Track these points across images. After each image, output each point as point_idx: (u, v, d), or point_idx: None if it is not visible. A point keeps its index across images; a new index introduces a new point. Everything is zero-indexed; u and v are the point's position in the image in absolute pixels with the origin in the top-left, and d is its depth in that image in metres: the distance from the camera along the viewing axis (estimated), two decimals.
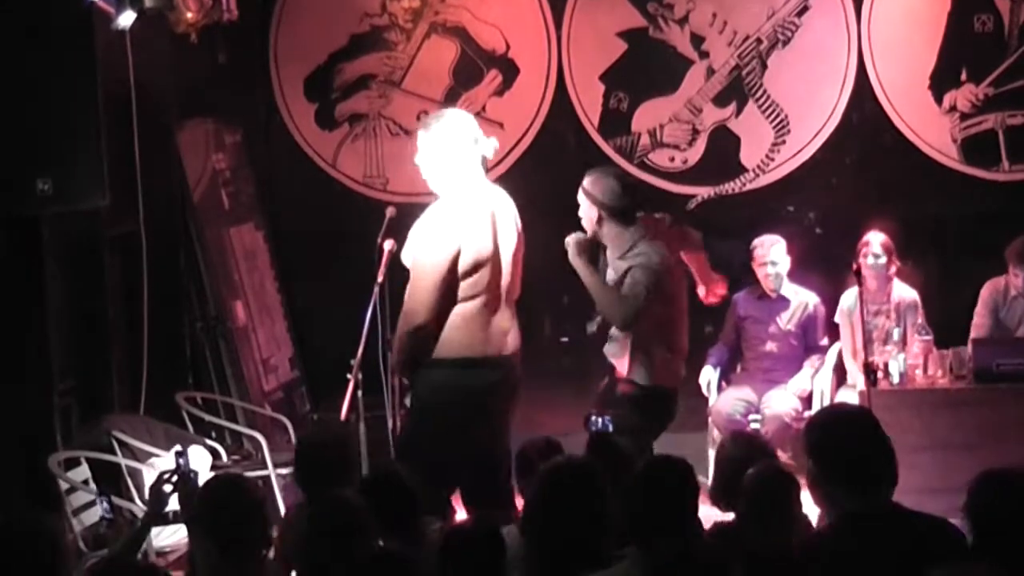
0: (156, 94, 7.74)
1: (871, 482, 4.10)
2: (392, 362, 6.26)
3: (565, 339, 9.24)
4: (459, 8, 9.05)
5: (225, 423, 7.97)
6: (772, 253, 8.16)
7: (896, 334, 7.91)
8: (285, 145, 9.20)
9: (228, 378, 8.41)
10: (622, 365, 6.56)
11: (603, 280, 6.46)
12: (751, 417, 7.98)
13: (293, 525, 4.81)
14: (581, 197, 6.53)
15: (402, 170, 9.04)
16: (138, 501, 6.76)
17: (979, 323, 8.04)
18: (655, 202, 7.93)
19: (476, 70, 9.10)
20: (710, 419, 8.07)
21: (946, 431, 7.48)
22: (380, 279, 6.45)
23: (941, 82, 8.91)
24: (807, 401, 8.04)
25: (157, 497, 4.82)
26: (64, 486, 6.66)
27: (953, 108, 8.91)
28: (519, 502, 4.95)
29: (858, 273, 7.45)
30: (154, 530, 6.15)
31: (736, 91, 9.01)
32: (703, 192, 9.03)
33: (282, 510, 7.18)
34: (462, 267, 5.85)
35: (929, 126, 8.92)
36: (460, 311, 5.89)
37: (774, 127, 8.99)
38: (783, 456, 6.85)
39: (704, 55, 9.02)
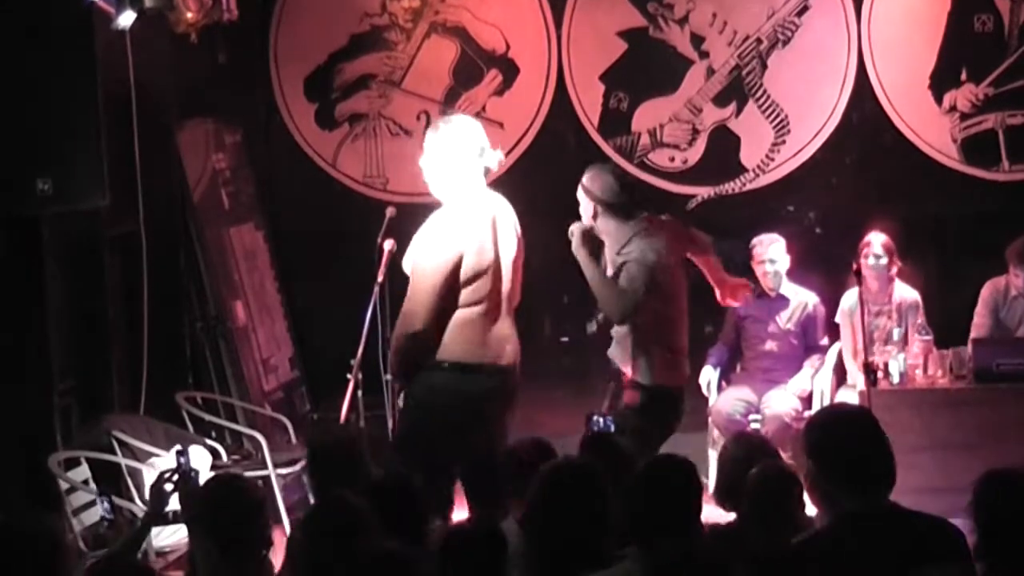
0: (156, 94, 7.74)
1: (871, 482, 4.10)
2: (389, 364, 6.26)
3: (565, 339, 9.24)
4: (459, 8, 9.05)
5: (225, 423, 7.97)
6: (771, 251, 8.17)
7: (896, 334, 7.92)
8: (285, 145, 9.20)
9: (228, 378, 8.41)
10: (627, 367, 6.56)
11: (603, 273, 6.44)
12: (751, 417, 7.98)
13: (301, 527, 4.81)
14: (580, 193, 6.54)
15: (402, 170, 9.05)
16: (138, 501, 6.76)
17: (979, 323, 8.04)
18: (655, 202, 7.93)
19: (476, 70, 9.10)
20: (710, 419, 8.07)
21: (946, 431, 7.48)
22: (380, 279, 6.46)
23: (941, 82, 8.90)
24: (807, 401, 8.04)
25: (157, 496, 4.82)
26: (64, 486, 6.66)
27: (953, 108, 8.91)
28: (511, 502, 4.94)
29: (858, 273, 7.45)
30: (154, 530, 6.16)
31: (736, 91, 9.01)
32: (703, 192, 9.03)
33: (282, 510, 7.19)
34: (464, 274, 5.84)
35: (929, 126, 8.92)
36: (461, 316, 5.89)
37: (774, 127, 8.99)
38: (784, 456, 6.85)
39: (704, 55, 9.01)
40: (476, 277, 5.86)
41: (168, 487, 4.79)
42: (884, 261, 8.05)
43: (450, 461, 5.90)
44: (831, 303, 8.24)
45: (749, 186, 9.05)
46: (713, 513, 4.80)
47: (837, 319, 8.18)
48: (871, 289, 8.03)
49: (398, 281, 6.34)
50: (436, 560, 4.06)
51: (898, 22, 8.88)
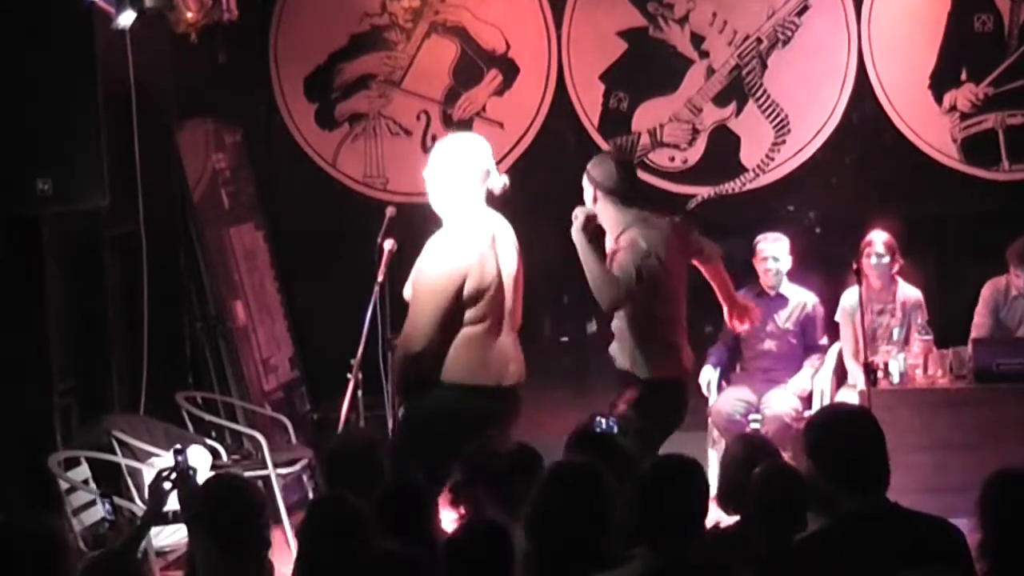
0: (156, 94, 7.74)
1: (871, 482, 4.10)
2: (391, 381, 6.27)
3: (565, 339, 9.24)
4: (459, 8, 9.05)
5: (225, 423, 7.97)
6: (774, 249, 8.17)
7: (897, 334, 7.92)
8: (285, 145, 9.20)
9: (228, 378, 8.41)
10: (626, 362, 6.56)
11: (598, 260, 6.42)
12: (751, 417, 7.98)
13: None
14: (584, 180, 6.56)
15: (402, 170, 9.07)
16: (138, 501, 6.76)
17: (979, 323, 8.04)
18: (655, 202, 7.92)
19: (476, 70, 9.10)
20: (710, 419, 8.07)
21: (946, 431, 7.48)
22: (380, 279, 6.46)
23: (941, 82, 8.90)
24: (807, 401, 8.04)
25: (156, 495, 4.82)
26: (64, 486, 6.66)
27: (953, 108, 8.91)
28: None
29: (859, 272, 7.45)
30: (154, 530, 6.16)
31: (736, 91, 9.01)
32: (703, 192, 9.03)
33: (282, 510, 7.19)
34: (466, 294, 5.84)
35: (929, 126, 8.92)
36: (463, 336, 5.89)
37: (774, 127, 8.99)
38: (785, 456, 6.85)
39: (704, 55, 9.01)
40: (479, 296, 5.85)
41: (166, 486, 4.79)
42: (886, 260, 8.06)
43: (444, 474, 5.90)
44: (831, 303, 8.24)
45: (749, 186, 9.05)
46: (714, 514, 4.80)
47: (837, 317, 8.18)
48: (873, 287, 8.03)
49: (398, 281, 6.34)
50: (443, 559, 4.05)
51: (898, 22, 8.88)
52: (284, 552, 6.03)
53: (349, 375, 6.47)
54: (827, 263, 8.60)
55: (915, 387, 7.65)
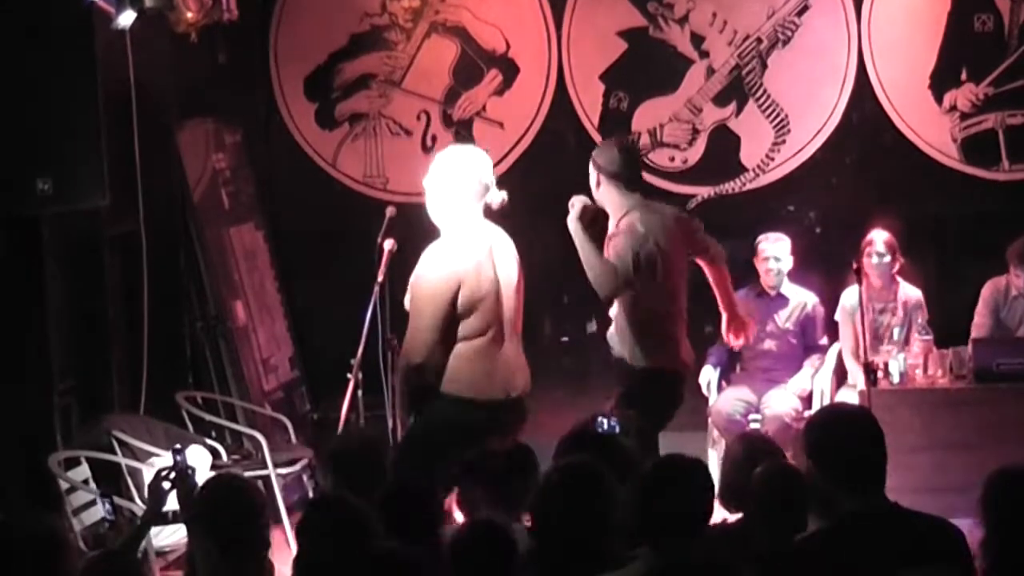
0: (156, 94, 7.74)
1: (871, 482, 4.10)
2: (397, 395, 6.28)
3: (565, 339, 9.23)
4: (459, 8, 9.05)
5: (225, 423, 7.97)
6: (775, 249, 8.18)
7: (897, 333, 7.92)
8: (285, 145, 9.20)
9: (228, 378, 8.41)
10: (623, 350, 6.58)
11: (595, 249, 6.43)
12: (751, 417, 7.98)
13: None
14: (590, 166, 6.59)
15: (402, 170, 9.06)
16: (138, 501, 6.77)
17: (980, 323, 8.04)
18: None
19: (476, 70, 9.10)
20: (710, 419, 8.07)
21: (946, 431, 7.48)
22: (380, 279, 6.46)
23: (941, 82, 8.90)
24: (807, 401, 8.04)
25: (156, 495, 4.82)
26: (64, 486, 6.66)
27: (953, 108, 8.91)
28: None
29: (859, 272, 7.45)
30: (154, 530, 6.16)
31: (736, 91, 9.00)
32: (703, 192, 9.03)
33: (282, 510, 7.19)
34: (462, 304, 5.84)
35: (929, 126, 8.92)
36: (466, 349, 5.90)
37: (774, 127, 8.99)
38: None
39: (704, 55, 9.01)
40: (475, 305, 5.86)
41: (165, 485, 4.79)
42: (887, 259, 8.06)
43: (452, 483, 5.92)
44: (831, 303, 8.24)
45: (749, 186, 9.04)
46: (717, 513, 4.80)
47: (837, 317, 8.18)
48: (874, 287, 8.03)
49: (398, 281, 6.34)
50: (447, 560, 4.04)
51: (898, 22, 8.88)
52: (284, 552, 6.03)
53: (349, 375, 6.47)
54: (827, 263, 8.60)
55: (915, 387, 7.65)
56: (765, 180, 9.03)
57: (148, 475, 6.58)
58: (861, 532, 4.02)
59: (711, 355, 8.24)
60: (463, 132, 9.08)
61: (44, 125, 6.37)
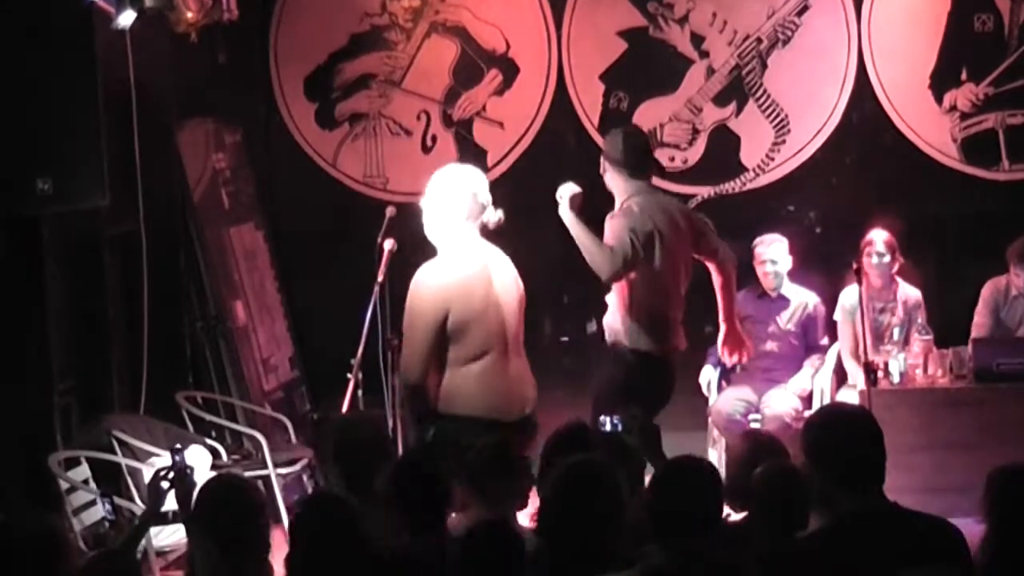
0: (156, 94, 7.74)
1: (870, 481, 4.10)
2: (401, 416, 6.31)
3: (565, 339, 9.23)
4: (459, 8, 9.05)
5: (225, 423, 7.97)
6: (772, 252, 8.17)
7: (897, 333, 7.92)
8: (285, 145, 9.20)
9: (228, 378, 8.41)
10: (618, 332, 6.60)
11: (591, 233, 6.45)
12: (751, 417, 7.98)
13: None
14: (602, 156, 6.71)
15: (402, 170, 9.07)
16: (138, 501, 6.77)
17: (980, 322, 8.04)
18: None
19: (476, 70, 9.10)
20: (710, 419, 8.07)
21: (946, 431, 7.48)
22: (380, 279, 6.46)
23: (941, 82, 8.90)
24: (807, 401, 8.04)
25: (154, 495, 4.83)
26: (64, 486, 6.66)
27: (953, 108, 8.91)
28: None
29: (859, 272, 7.45)
30: (154, 530, 6.17)
31: (736, 90, 9.00)
32: (703, 192, 9.03)
33: (282, 510, 7.19)
34: (456, 325, 5.86)
35: (929, 126, 8.92)
36: (475, 370, 5.91)
37: (774, 127, 8.99)
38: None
39: (704, 54, 9.01)
40: (470, 325, 5.87)
41: (164, 485, 4.79)
42: (887, 259, 8.06)
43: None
44: (831, 303, 8.24)
45: (749, 186, 9.04)
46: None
47: (836, 316, 8.18)
48: (874, 286, 8.03)
49: (398, 281, 6.34)
50: (454, 559, 4.03)
51: (898, 22, 8.88)
52: (284, 552, 6.02)
53: (349, 375, 6.47)
54: (827, 263, 8.60)
55: (915, 387, 7.65)
56: (765, 180, 9.03)
57: (148, 475, 6.57)
58: (860, 532, 4.02)
59: (711, 355, 8.23)
60: (463, 132, 9.09)
61: (44, 125, 6.37)
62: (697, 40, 9.00)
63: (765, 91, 8.98)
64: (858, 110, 8.95)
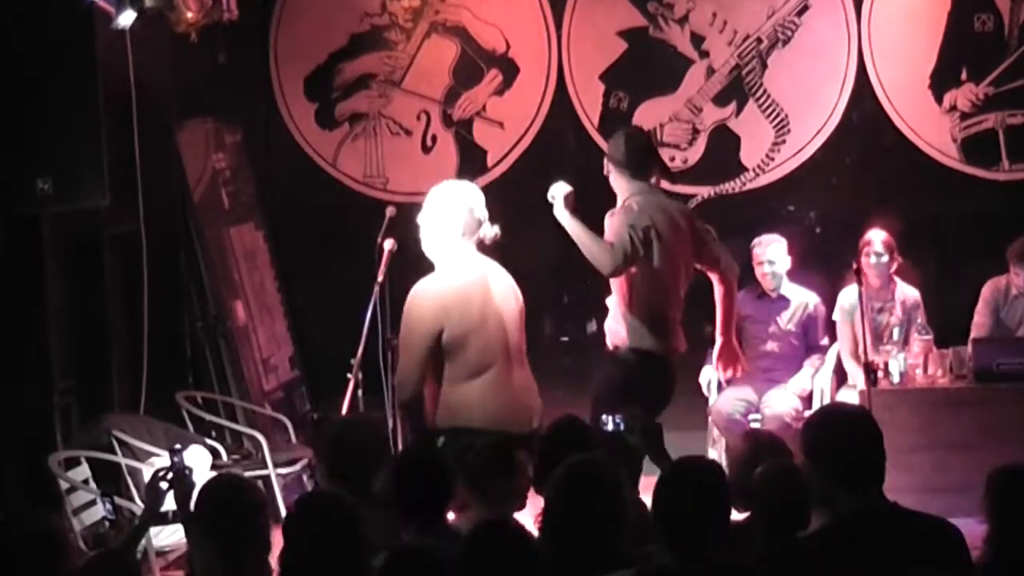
0: (156, 94, 7.74)
1: (870, 481, 4.10)
2: (403, 430, 6.33)
3: (565, 339, 9.23)
4: (459, 8, 9.05)
5: (225, 423, 7.97)
6: (770, 252, 8.17)
7: (896, 333, 7.92)
8: (285, 145, 9.20)
9: (228, 378, 8.41)
10: (618, 334, 6.62)
11: (588, 229, 6.47)
12: (751, 417, 7.98)
13: None
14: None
15: (402, 170, 9.07)
16: (138, 501, 6.76)
17: (980, 322, 8.04)
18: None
19: (476, 70, 9.10)
20: (710, 419, 8.07)
21: (946, 431, 7.48)
22: (380, 279, 6.46)
23: (941, 82, 8.90)
24: (807, 401, 8.04)
25: (153, 495, 4.82)
26: (64, 486, 6.66)
27: (953, 108, 8.91)
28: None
29: (859, 272, 7.45)
30: (154, 530, 6.17)
31: (736, 90, 9.01)
32: (703, 192, 9.03)
33: (282, 510, 7.19)
34: (453, 340, 5.87)
35: (929, 126, 8.92)
36: (476, 383, 5.91)
37: (774, 126, 8.99)
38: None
39: (704, 54, 9.01)
40: (467, 339, 5.88)
41: (163, 486, 4.79)
42: (885, 259, 8.06)
43: None
44: (831, 303, 8.23)
45: (749, 186, 9.05)
46: None
47: (835, 317, 8.18)
48: (872, 286, 8.03)
49: (398, 281, 6.34)
50: (464, 559, 4.02)
51: (898, 22, 8.88)
52: None
53: (349, 375, 6.47)
54: (827, 263, 8.60)
55: (915, 387, 7.65)
56: (765, 180, 9.03)
57: (148, 475, 6.58)
58: (860, 532, 4.02)
59: (711, 355, 8.23)
60: (463, 132, 9.09)
61: (44, 125, 6.37)
62: (697, 40, 9.00)
63: (765, 91, 8.98)
64: (858, 110, 8.95)
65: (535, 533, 4.22)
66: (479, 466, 4.90)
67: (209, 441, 7.51)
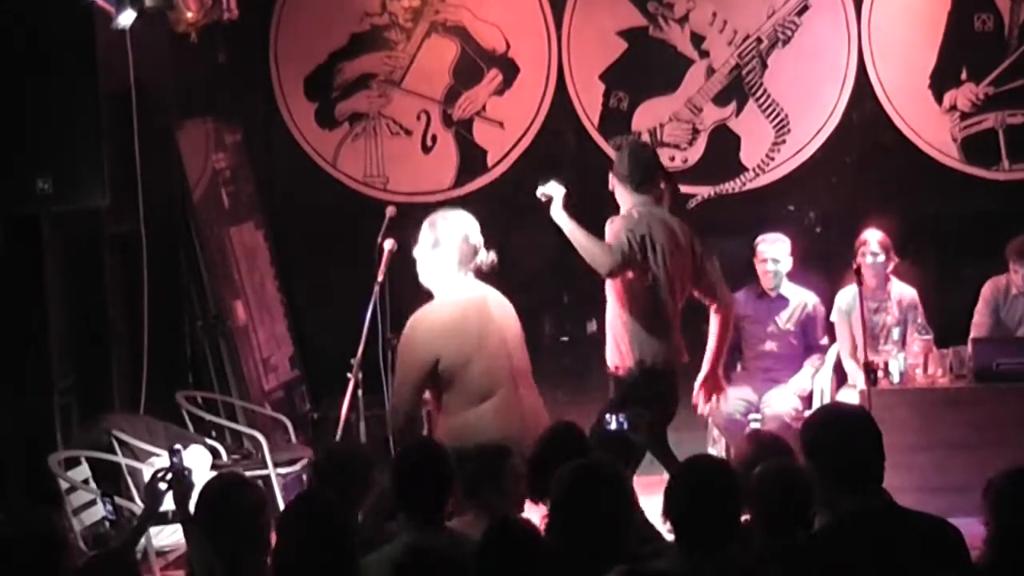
0: (156, 94, 7.74)
1: (869, 481, 4.10)
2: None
3: (565, 339, 9.23)
4: (459, 7, 9.05)
5: (225, 422, 7.97)
6: (774, 250, 8.18)
7: (896, 333, 7.92)
8: (285, 145, 9.20)
9: (228, 377, 8.41)
10: (619, 350, 6.61)
11: (585, 230, 6.48)
12: (751, 417, 7.98)
13: None
14: None
15: (402, 170, 9.07)
16: (138, 501, 6.76)
17: (980, 322, 8.05)
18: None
19: (476, 69, 9.10)
20: (710, 419, 8.06)
21: (946, 431, 7.48)
22: (380, 279, 6.47)
23: (941, 81, 8.90)
24: (807, 400, 8.04)
25: (152, 495, 4.82)
26: (64, 485, 6.66)
27: (953, 107, 8.91)
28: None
29: (859, 271, 7.45)
30: (154, 530, 6.17)
31: (736, 90, 9.00)
32: (703, 192, 9.03)
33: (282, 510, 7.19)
34: (452, 367, 5.89)
35: (929, 125, 8.92)
36: (485, 408, 5.93)
37: (774, 126, 8.99)
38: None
39: (704, 54, 9.01)
40: (468, 365, 5.90)
41: (162, 486, 4.79)
42: (882, 258, 8.07)
43: None
44: (831, 303, 8.24)
45: (749, 185, 9.04)
46: None
47: (833, 317, 8.18)
48: (869, 286, 8.02)
49: (398, 281, 6.35)
50: (479, 556, 4.01)
51: (898, 22, 8.88)
52: None
53: (349, 374, 6.48)
54: (827, 263, 8.60)
55: (915, 387, 7.65)
56: (765, 180, 9.03)
57: (148, 475, 6.58)
58: (860, 531, 4.02)
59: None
60: (463, 132, 9.09)
61: (44, 125, 6.38)
62: (697, 40, 9.00)
63: (765, 91, 8.98)
64: (858, 110, 8.95)
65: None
66: (476, 471, 4.89)
67: (209, 441, 7.51)
